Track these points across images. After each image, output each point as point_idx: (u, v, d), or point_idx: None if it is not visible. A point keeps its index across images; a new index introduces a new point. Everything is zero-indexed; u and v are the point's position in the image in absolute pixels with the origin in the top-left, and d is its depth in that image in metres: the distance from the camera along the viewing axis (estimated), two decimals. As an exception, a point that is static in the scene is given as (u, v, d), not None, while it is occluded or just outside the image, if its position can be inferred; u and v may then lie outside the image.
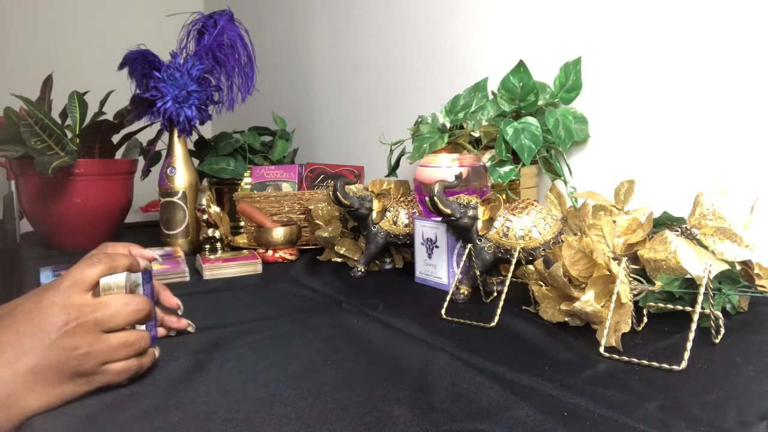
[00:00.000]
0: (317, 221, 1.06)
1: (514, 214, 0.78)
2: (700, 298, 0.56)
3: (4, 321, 0.49)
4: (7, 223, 1.84)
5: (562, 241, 0.66)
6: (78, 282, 0.50)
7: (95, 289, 0.51)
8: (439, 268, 0.86)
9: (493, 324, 0.67)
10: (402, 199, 0.98)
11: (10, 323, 0.49)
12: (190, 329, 0.67)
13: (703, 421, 0.44)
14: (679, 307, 0.62)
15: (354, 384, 0.52)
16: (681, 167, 0.91)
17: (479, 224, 0.78)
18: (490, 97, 1.11)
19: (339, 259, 1.05)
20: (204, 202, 1.06)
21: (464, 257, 0.79)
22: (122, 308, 0.51)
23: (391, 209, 0.96)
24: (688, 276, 0.62)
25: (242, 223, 1.25)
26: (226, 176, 1.37)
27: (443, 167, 0.87)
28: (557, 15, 1.06)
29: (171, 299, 0.65)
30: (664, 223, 0.77)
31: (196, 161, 1.35)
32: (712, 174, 0.87)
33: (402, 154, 1.18)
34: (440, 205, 0.74)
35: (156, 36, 1.48)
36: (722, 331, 0.61)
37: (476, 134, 1.03)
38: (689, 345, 0.53)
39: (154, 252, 0.62)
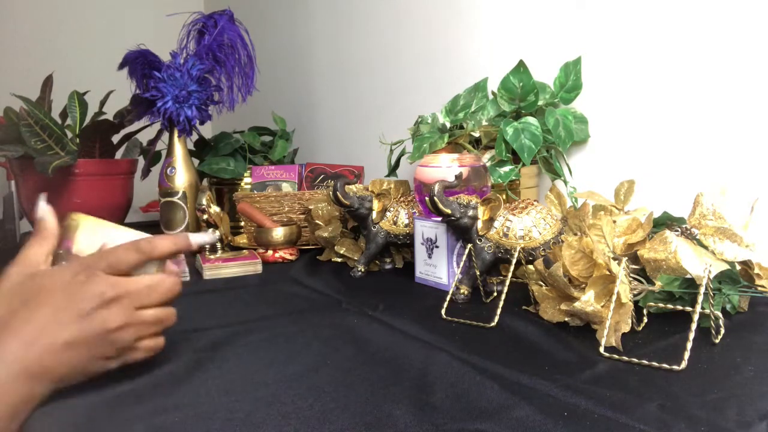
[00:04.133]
0: (317, 221, 1.06)
1: (514, 214, 0.78)
2: (700, 298, 0.56)
3: (38, 297, 0.49)
4: (7, 223, 1.84)
5: (562, 241, 0.66)
6: (113, 264, 0.51)
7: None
8: (439, 268, 0.86)
9: (493, 324, 0.67)
10: (402, 199, 0.98)
11: (43, 299, 0.49)
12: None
13: (703, 421, 0.44)
14: (679, 307, 0.62)
15: (354, 384, 0.52)
16: (681, 167, 0.91)
17: (479, 224, 0.78)
18: (490, 97, 1.11)
19: (339, 259, 1.05)
20: (204, 202, 1.06)
21: (464, 257, 0.79)
22: (157, 286, 0.52)
23: (391, 209, 0.96)
24: (688, 276, 0.62)
25: (242, 223, 1.25)
26: (226, 176, 1.37)
27: (443, 167, 0.87)
28: (557, 15, 1.06)
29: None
30: (664, 223, 0.77)
31: (196, 161, 1.35)
32: (712, 174, 0.87)
33: (402, 154, 1.18)
34: (440, 205, 0.74)
35: (156, 36, 1.48)
36: (722, 331, 0.61)
37: (476, 134, 1.03)
38: (689, 345, 0.53)
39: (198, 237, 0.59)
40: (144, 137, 1.43)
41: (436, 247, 0.86)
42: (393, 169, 1.19)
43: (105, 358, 0.51)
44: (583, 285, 0.63)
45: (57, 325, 0.48)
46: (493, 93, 1.10)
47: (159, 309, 0.53)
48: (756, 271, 0.67)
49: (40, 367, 0.47)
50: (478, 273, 0.78)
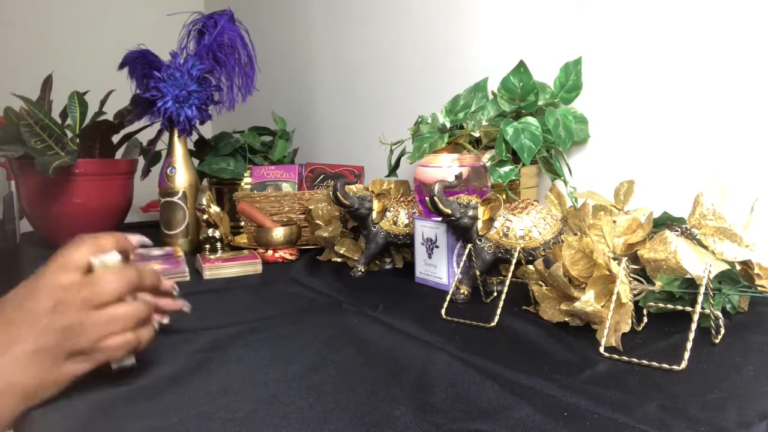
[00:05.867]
0: (317, 221, 1.06)
1: (514, 214, 0.78)
2: (700, 298, 0.56)
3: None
4: (7, 223, 1.84)
5: (562, 241, 0.66)
6: (64, 264, 0.50)
7: (88, 269, 0.51)
8: (439, 268, 0.86)
9: (493, 324, 0.67)
10: (402, 199, 0.98)
11: (2, 314, 0.49)
12: (185, 309, 0.63)
13: (703, 421, 0.44)
14: (679, 307, 0.62)
15: (354, 384, 0.52)
16: (681, 167, 0.91)
17: (479, 224, 0.78)
18: (490, 97, 1.11)
19: (339, 259, 1.05)
20: (204, 202, 1.06)
21: (464, 257, 0.79)
22: (110, 281, 0.50)
23: (391, 209, 0.96)
24: (688, 276, 0.62)
25: (242, 223, 1.25)
26: (226, 176, 1.37)
27: (443, 167, 0.87)
28: (557, 15, 1.06)
29: (164, 281, 0.62)
30: (664, 223, 0.77)
31: (196, 161, 1.35)
32: (712, 174, 0.87)
33: (402, 154, 1.18)
34: (440, 205, 0.74)
35: (156, 36, 1.48)
36: (722, 331, 0.61)
37: (476, 134, 1.03)
38: (689, 345, 0.53)
39: (138, 238, 0.60)
40: (144, 137, 1.43)
41: (436, 247, 0.86)
42: (393, 169, 1.19)
43: (73, 363, 0.49)
44: (583, 285, 0.63)
45: (16, 339, 0.47)
46: (493, 93, 1.10)
47: (120, 304, 0.50)
48: (756, 271, 0.67)
49: (6, 384, 0.46)
50: (478, 273, 0.78)
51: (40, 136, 1.16)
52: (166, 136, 1.25)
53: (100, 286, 0.50)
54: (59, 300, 0.48)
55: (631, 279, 0.65)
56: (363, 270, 0.95)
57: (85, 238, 0.52)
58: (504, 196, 0.93)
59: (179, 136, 1.22)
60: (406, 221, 0.94)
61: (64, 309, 0.48)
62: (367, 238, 0.96)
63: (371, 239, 0.95)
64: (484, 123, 1.05)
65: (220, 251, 1.07)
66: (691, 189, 0.72)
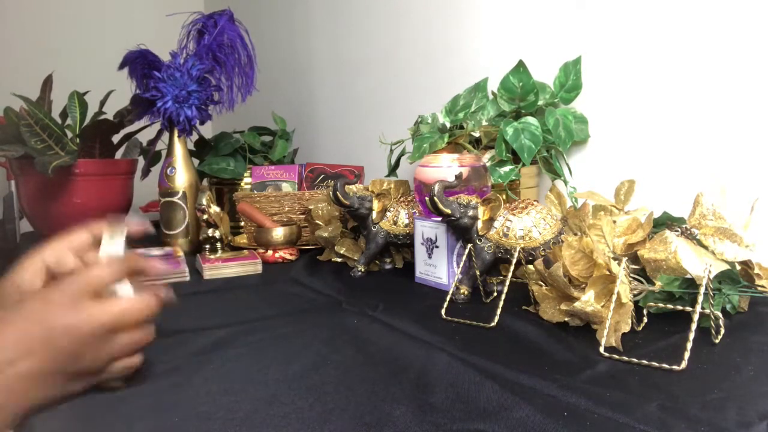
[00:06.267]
0: (317, 221, 1.06)
1: (514, 214, 0.78)
2: (700, 298, 0.56)
3: (12, 318, 0.48)
4: (7, 223, 1.84)
5: (562, 241, 0.66)
6: (88, 285, 0.50)
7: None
8: (439, 268, 0.86)
9: (493, 324, 0.67)
10: (402, 199, 0.98)
11: (17, 322, 0.48)
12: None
13: (703, 421, 0.44)
14: (679, 307, 0.62)
15: (354, 384, 0.52)
16: (681, 167, 0.91)
17: (479, 224, 0.78)
18: (490, 97, 1.11)
19: (339, 259, 1.05)
20: (204, 202, 1.06)
21: (464, 257, 0.79)
22: (131, 310, 0.50)
23: (391, 209, 0.96)
24: (688, 276, 0.62)
25: (242, 223, 1.25)
26: (226, 176, 1.37)
27: (443, 167, 0.87)
28: (557, 15, 1.06)
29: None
30: (664, 223, 0.77)
31: (196, 161, 1.35)
32: (712, 174, 0.87)
33: (402, 154, 1.18)
34: (440, 205, 0.74)
35: (156, 36, 1.47)
36: (722, 331, 0.61)
37: (476, 134, 1.03)
38: (689, 345, 0.53)
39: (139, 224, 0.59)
40: (144, 137, 1.42)
41: (436, 247, 0.86)
42: (393, 169, 1.19)
43: (80, 382, 0.49)
44: (583, 285, 0.63)
45: (27, 352, 0.46)
46: (493, 93, 1.10)
47: (135, 332, 0.51)
48: (756, 271, 0.67)
49: (7, 393, 0.46)
50: (478, 273, 0.78)
51: (40, 136, 1.16)
52: (166, 136, 1.25)
53: (121, 315, 0.50)
54: (82, 324, 0.48)
55: (631, 279, 0.65)
56: (363, 270, 0.95)
57: (112, 263, 0.52)
58: (504, 196, 0.93)
59: (179, 136, 1.22)
60: (406, 221, 0.94)
61: (85, 335, 0.48)
62: (367, 238, 0.96)
63: (371, 239, 0.95)
64: (484, 123, 1.05)
65: (220, 251, 1.07)
66: (691, 189, 0.72)
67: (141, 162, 1.38)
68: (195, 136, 1.33)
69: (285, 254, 1.08)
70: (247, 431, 0.44)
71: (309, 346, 0.63)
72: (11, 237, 1.81)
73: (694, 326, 0.54)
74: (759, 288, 0.67)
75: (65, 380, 0.49)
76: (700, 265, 0.60)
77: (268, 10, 2.08)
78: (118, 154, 1.39)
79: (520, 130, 0.96)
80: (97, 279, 0.51)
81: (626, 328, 0.59)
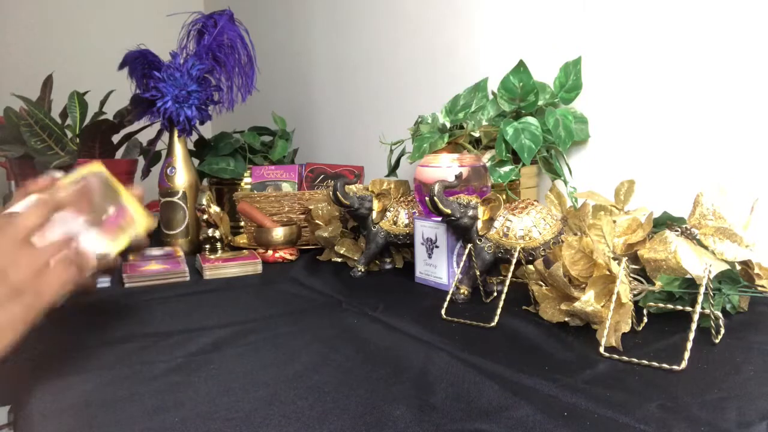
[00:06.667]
0: (317, 221, 1.06)
1: (514, 214, 0.78)
2: (700, 298, 0.56)
3: None
4: (7, 223, 1.84)
5: (562, 241, 0.66)
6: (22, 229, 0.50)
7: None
8: (439, 268, 0.86)
9: (493, 324, 0.67)
10: (402, 199, 0.98)
11: None
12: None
13: (703, 421, 0.44)
14: (679, 307, 0.62)
15: (354, 384, 0.52)
16: (681, 167, 0.91)
17: (479, 224, 0.78)
18: (490, 97, 1.11)
19: (339, 259, 1.05)
20: (204, 202, 1.06)
21: (464, 257, 0.79)
22: (28, 213, 0.50)
23: (391, 209, 0.96)
24: (688, 276, 0.62)
25: (242, 223, 1.25)
26: (226, 176, 1.37)
27: (443, 167, 0.87)
28: (557, 15, 1.06)
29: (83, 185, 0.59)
30: (664, 223, 0.77)
31: (196, 161, 1.35)
32: (712, 174, 0.87)
33: (402, 154, 1.18)
34: (440, 205, 0.74)
35: (156, 36, 1.48)
36: (722, 331, 0.61)
37: (476, 134, 1.03)
38: (689, 345, 0.53)
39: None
40: (144, 137, 1.43)
41: (436, 247, 0.86)
42: (393, 169, 1.19)
43: (14, 304, 0.48)
44: (583, 285, 0.63)
45: None
46: (493, 93, 1.10)
47: (45, 243, 0.50)
48: (756, 271, 0.67)
49: None
50: (478, 273, 0.78)
51: (40, 136, 1.17)
52: (166, 136, 1.25)
53: (19, 219, 0.50)
54: None
55: (631, 279, 0.65)
56: (363, 270, 0.95)
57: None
58: (504, 196, 0.93)
59: (179, 136, 1.22)
60: (406, 221, 0.94)
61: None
62: (367, 238, 0.96)
63: (371, 239, 0.95)
64: (484, 123, 1.05)
65: (220, 251, 1.07)
66: (691, 189, 0.72)
67: (141, 162, 1.38)
68: (195, 136, 1.33)
69: (285, 254, 1.08)
70: (247, 431, 0.44)
71: (309, 346, 0.63)
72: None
73: (694, 326, 0.54)
74: (759, 288, 0.67)
75: (5, 300, 0.47)
76: (700, 265, 0.60)
77: (268, 10, 2.08)
78: (118, 154, 1.39)
79: (520, 130, 0.96)
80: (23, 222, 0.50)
81: (626, 328, 0.59)
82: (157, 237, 1.24)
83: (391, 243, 0.95)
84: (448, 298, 0.74)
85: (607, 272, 0.61)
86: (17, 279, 0.48)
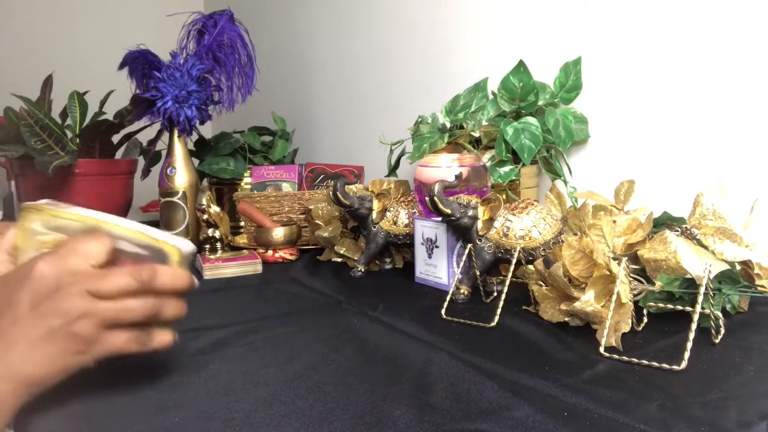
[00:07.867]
0: (317, 221, 1.06)
1: (514, 214, 0.78)
2: (700, 298, 0.56)
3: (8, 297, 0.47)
4: (7, 223, 1.84)
5: (562, 241, 0.66)
6: (73, 250, 0.48)
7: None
8: (439, 268, 0.86)
9: (493, 324, 0.67)
10: (402, 199, 0.98)
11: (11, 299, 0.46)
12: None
13: (703, 421, 0.44)
14: (679, 307, 0.62)
15: (354, 384, 0.52)
16: (681, 167, 0.91)
17: (479, 224, 0.78)
18: (490, 97, 1.11)
19: (339, 259, 1.05)
20: (204, 202, 1.06)
21: (464, 257, 0.79)
22: (120, 276, 0.47)
23: (391, 209, 0.96)
24: (688, 276, 0.62)
25: (242, 223, 1.25)
26: (226, 176, 1.37)
27: (443, 167, 0.87)
28: (557, 15, 1.06)
29: (182, 278, 0.53)
30: (664, 223, 0.77)
31: (196, 161, 1.35)
32: (712, 174, 0.87)
33: (402, 154, 1.18)
34: (440, 205, 0.74)
35: (156, 36, 1.48)
36: (722, 331, 0.61)
37: (476, 134, 1.03)
38: (689, 345, 0.53)
39: None
40: (144, 137, 1.42)
41: (436, 247, 0.86)
42: (393, 169, 1.19)
43: (75, 350, 0.47)
44: (583, 285, 0.63)
45: (24, 325, 0.45)
46: (493, 93, 1.10)
47: (126, 299, 0.47)
48: (756, 271, 0.67)
49: (13, 372, 0.45)
50: (478, 273, 0.78)
51: (40, 136, 1.16)
52: (166, 136, 1.25)
53: (109, 278, 0.47)
54: (63, 284, 0.46)
55: (631, 279, 0.65)
56: (363, 270, 0.95)
57: (142, 273, 0.48)
58: (504, 196, 0.93)
59: (179, 136, 1.22)
60: (406, 221, 0.94)
61: (67, 293, 0.46)
62: (367, 238, 0.96)
63: (371, 239, 0.95)
64: (484, 123, 1.05)
65: (220, 251, 1.07)
66: (691, 189, 0.72)
67: (141, 162, 1.38)
68: (195, 136, 1.33)
69: (285, 254, 1.08)
70: (247, 431, 0.44)
71: (309, 346, 0.63)
72: (11, 237, 1.80)
73: (694, 326, 0.54)
74: (759, 288, 0.67)
75: (67, 344, 0.46)
76: (700, 265, 0.60)
77: (268, 10, 2.08)
78: (118, 154, 1.39)
79: (520, 130, 0.96)
80: (92, 247, 0.48)
81: (626, 328, 0.59)
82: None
83: (391, 243, 0.95)
84: (448, 298, 0.74)
85: (607, 272, 0.61)
86: (88, 328, 0.47)
